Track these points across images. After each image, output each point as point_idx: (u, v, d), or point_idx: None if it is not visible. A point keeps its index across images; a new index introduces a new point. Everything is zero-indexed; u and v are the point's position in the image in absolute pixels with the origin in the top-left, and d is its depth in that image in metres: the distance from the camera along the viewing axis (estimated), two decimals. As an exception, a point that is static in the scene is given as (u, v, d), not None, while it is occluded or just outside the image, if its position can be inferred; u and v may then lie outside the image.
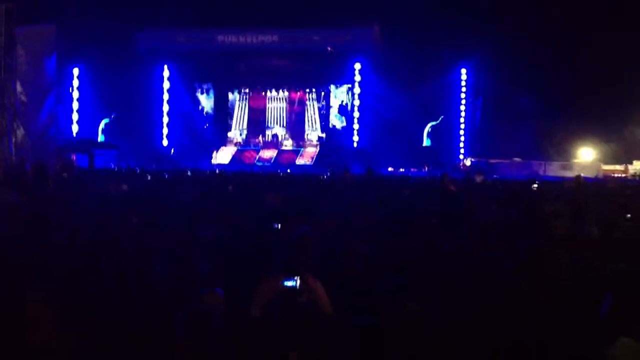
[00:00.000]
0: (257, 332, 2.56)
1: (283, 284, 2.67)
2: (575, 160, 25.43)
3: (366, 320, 2.44)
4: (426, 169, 24.28)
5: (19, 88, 20.82)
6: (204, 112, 29.68)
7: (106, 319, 2.72)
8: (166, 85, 28.22)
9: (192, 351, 2.54)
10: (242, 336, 2.57)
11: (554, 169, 24.08)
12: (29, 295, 2.70)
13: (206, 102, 29.77)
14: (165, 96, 28.24)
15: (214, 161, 27.56)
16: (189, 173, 14.46)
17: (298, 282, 2.67)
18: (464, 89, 26.98)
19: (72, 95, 27.27)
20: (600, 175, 22.32)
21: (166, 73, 28.18)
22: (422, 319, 2.63)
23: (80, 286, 3.10)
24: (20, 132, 20.54)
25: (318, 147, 28.46)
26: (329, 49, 26.59)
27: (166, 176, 12.47)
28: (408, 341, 2.34)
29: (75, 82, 27.41)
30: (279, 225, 4.46)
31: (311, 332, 2.53)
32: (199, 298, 2.90)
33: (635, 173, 23.04)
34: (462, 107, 27.09)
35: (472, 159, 25.68)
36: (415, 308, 2.75)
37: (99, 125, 27.84)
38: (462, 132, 27.05)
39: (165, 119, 28.23)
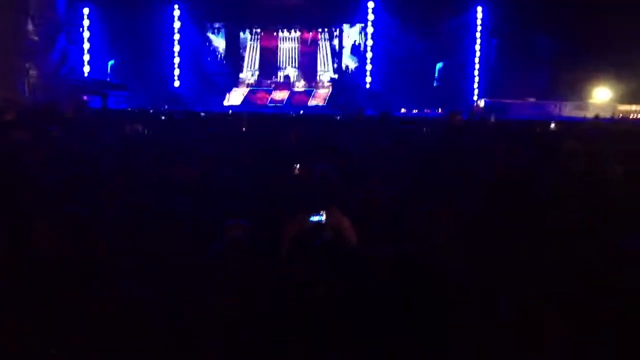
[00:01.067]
0: (284, 269, 2.59)
1: (309, 220, 2.66)
2: (591, 100, 25.12)
3: (394, 251, 2.47)
4: (439, 110, 24.10)
5: (30, 27, 20.66)
6: (216, 53, 29.35)
7: (134, 251, 2.79)
8: (177, 25, 27.83)
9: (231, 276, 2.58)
10: (269, 270, 2.61)
11: (568, 109, 23.84)
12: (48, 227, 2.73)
13: (218, 42, 29.41)
14: (176, 36, 27.89)
15: (226, 102, 27.49)
16: (202, 114, 14.44)
17: (324, 216, 2.66)
18: (479, 29, 26.41)
19: (82, 36, 27.05)
20: (617, 115, 22.07)
21: (177, 12, 27.75)
22: (452, 253, 2.66)
23: (104, 218, 3.16)
24: (32, 72, 20.50)
25: (330, 88, 28.27)
26: None
27: (179, 117, 12.48)
28: (438, 272, 2.37)
29: (86, 22, 27.13)
30: (298, 166, 4.46)
31: (337, 265, 2.56)
32: (227, 228, 2.95)
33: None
34: (477, 47, 26.56)
35: (486, 100, 25.43)
36: (445, 240, 2.78)
37: (111, 67, 27.69)
38: (476, 72, 26.64)
39: (177, 60, 27.95)
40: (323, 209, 2.61)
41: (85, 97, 21.58)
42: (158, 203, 3.50)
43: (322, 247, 2.59)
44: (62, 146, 6.27)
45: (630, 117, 21.92)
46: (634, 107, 23.97)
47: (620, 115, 22.04)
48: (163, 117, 11.27)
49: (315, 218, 2.65)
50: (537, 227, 3.27)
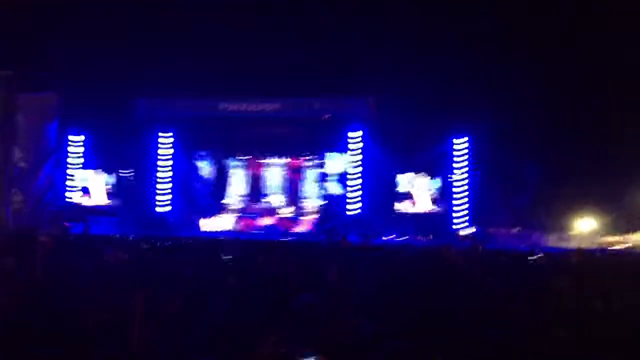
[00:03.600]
0: None
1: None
2: (574, 232, 25.37)
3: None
4: (430, 238, 24.23)
5: (18, 154, 20.95)
6: (203, 180, 29.70)
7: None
8: (167, 152, 28.35)
9: None
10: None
11: (552, 240, 23.98)
12: None
13: (205, 168, 29.84)
14: (165, 162, 28.31)
15: (205, 228, 27.39)
16: (190, 241, 14.36)
17: None
18: (462, 157, 27.00)
19: (67, 161, 27.40)
20: (600, 246, 22.22)
21: (165, 140, 28.35)
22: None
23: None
24: (18, 199, 20.54)
25: (316, 215, 28.42)
26: (326, 116, 26.99)
27: (166, 244, 12.38)
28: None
29: (79, 149, 27.63)
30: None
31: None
32: None
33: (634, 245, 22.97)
34: (461, 176, 27.02)
35: (471, 228, 25.61)
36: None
37: (98, 191, 27.93)
38: (459, 201, 26.97)
39: (165, 186, 28.21)
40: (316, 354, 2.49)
41: (66, 224, 21.54)
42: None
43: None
44: (42, 277, 6.11)
45: (614, 247, 22.08)
46: (617, 238, 24.22)
47: (604, 246, 22.22)
48: (145, 246, 11.14)
49: None
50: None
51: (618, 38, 21.99)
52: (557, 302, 5.47)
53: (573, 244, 19.88)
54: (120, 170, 28.20)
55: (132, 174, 28.16)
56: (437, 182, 27.36)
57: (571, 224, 25.91)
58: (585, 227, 25.67)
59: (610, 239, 24.25)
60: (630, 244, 23.07)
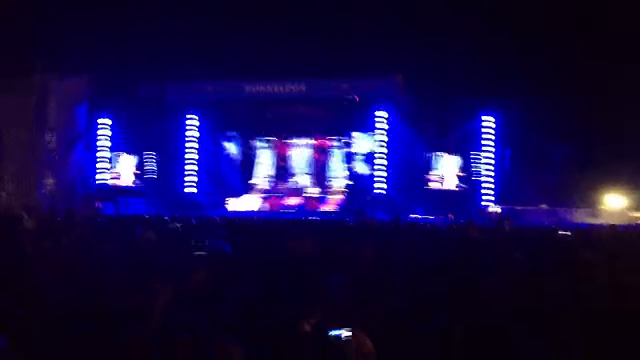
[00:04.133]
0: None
1: (330, 332, 2.59)
2: (603, 207, 25.06)
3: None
4: (451, 217, 24.11)
5: (49, 138, 21.30)
6: (231, 161, 29.94)
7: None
8: (195, 134, 28.60)
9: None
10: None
11: (581, 216, 23.75)
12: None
13: (233, 149, 30.07)
14: (194, 144, 28.58)
15: (233, 208, 27.66)
16: (217, 219, 14.50)
17: (347, 334, 2.58)
18: (491, 136, 26.76)
19: (97, 144, 27.81)
20: (630, 222, 21.93)
21: (193, 122, 28.58)
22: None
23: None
24: (50, 182, 20.92)
25: (343, 194, 28.49)
26: (353, 97, 26.92)
27: (194, 222, 12.52)
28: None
29: (108, 132, 28.01)
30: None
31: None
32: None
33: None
34: (490, 155, 26.79)
35: (499, 206, 25.46)
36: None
37: (127, 172, 28.37)
38: (487, 179, 26.79)
39: (193, 167, 28.50)
40: (348, 328, 2.54)
41: (98, 205, 21.91)
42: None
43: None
44: (74, 256, 6.25)
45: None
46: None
47: (634, 222, 21.92)
48: (178, 225, 11.28)
49: (336, 332, 2.57)
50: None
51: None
52: (585, 277, 5.44)
53: (602, 220, 19.63)
54: (149, 152, 28.58)
55: (160, 155, 28.51)
56: (465, 161, 27.23)
57: (600, 200, 25.60)
58: (614, 203, 25.33)
59: (639, 214, 23.91)
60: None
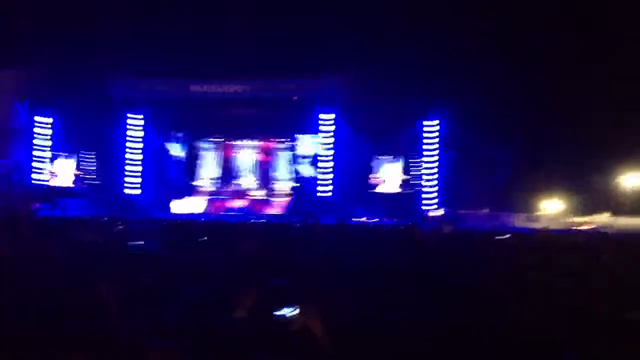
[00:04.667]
0: None
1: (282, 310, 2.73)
2: (542, 212, 25.86)
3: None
4: (395, 220, 24.42)
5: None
6: (175, 162, 29.51)
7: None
8: (139, 134, 28.06)
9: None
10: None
11: (521, 221, 24.41)
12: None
13: (177, 150, 29.64)
14: (137, 145, 28.04)
15: (176, 210, 27.31)
16: (161, 223, 14.32)
17: (297, 311, 2.71)
18: (433, 140, 27.23)
19: (37, 142, 26.99)
20: (567, 227, 22.69)
21: (137, 122, 28.06)
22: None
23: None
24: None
25: (288, 197, 28.48)
26: (295, 97, 26.99)
27: (135, 226, 12.30)
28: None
29: (46, 130, 27.20)
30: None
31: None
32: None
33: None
34: (433, 158, 27.27)
35: (442, 210, 25.94)
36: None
37: (67, 172, 27.61)
38: (429, 183, 27.25)
39: (136, 167, 27.96)
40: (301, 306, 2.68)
41: (36, 205, 21.26)
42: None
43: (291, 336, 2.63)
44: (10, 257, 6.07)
45: (580, 229, 22.56)
46: (584, 219, 24.75)
47: (572, 227, 22.69)
48: (120, 226, 11.10)
49: (287, 310, 2.70)
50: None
51: (587, 22, 22.34)
52: (523, 279, 5.63)
53: (541, 225, 20.26)
54: (90, 152, 27.89)
55: (102, 155, 27.86)
56: (409, 164, 27.64)
57: (539, 205, 26.42)
58: (552, 208, 26.18)
59: (577, 219, 24.77)
60: (596, 225, 23.59)
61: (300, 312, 2.79)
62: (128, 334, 3.32)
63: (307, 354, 2.94)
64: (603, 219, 24.64)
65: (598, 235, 13.59)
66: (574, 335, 3.83)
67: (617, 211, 25.19)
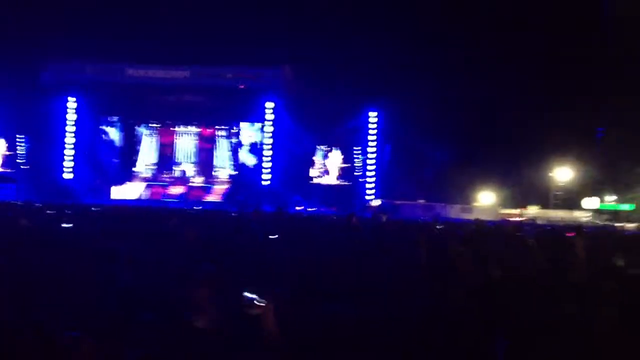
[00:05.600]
0: None
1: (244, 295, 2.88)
2: (476, 204, 26.62)
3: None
4: (333, 209, 24.67)
5: None
6: (112, 146, 28.85)
7: None
8: (71, 117, 27.27)
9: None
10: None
11: (455, 211, 25.05)
12: None
13: (114, 135, 28.98)
14: (70, 128, 27.25)
15: (116, 196, 26.81)
16: (92, 208, 14.00)
17: (259, 303, 2.89)
18: (373, 132, 27.56)
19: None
20: (499, 218, 23.43)
21: (71, 105, 27.26)
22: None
23: None
24: None
25: (228, 185, 28.32)
26: (241, 86, 26.79)
27: (68, 212, 11.97)
28: None
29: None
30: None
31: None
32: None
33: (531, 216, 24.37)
34: (372, 150, 27.61)
35: (379, 200, 26.32)
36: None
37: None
38: (369, 174, 27.57)
39: (69, 152, 27.19)
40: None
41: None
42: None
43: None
44: None
45: (513, 220, 23.33)
46: (514, 211, 25.63)
47: (502, 218, 23.43)
48: (49, 212, 10.81)
49: (249, 295, 2.95)
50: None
51: (519, 19, 23.02)
52: (455, 268, 5.77)
53: (474, 216, 20.79)
54: (21, 136, 26.98)
55: (35, 139, 26.98)
56: (348, 155, 27.89)
57: (472, 196, 27.18)
58: (486, 200, 27.00)
59: (509, 211, 25.62)
60: (525, 217, 24.45)
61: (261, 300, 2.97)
62: (50, 323, 3.27)
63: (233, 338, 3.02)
64: (534, 211, 25.59)
65: (526, 226, 14.09)
66: (504, 320, 3.97)
67: (547, 204, 26.23)
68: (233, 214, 15.46)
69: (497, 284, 5.54)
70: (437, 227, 11.44)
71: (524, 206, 26.06)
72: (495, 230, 12.14)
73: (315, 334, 3.43)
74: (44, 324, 3.13)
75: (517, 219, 24.33)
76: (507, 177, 25.75)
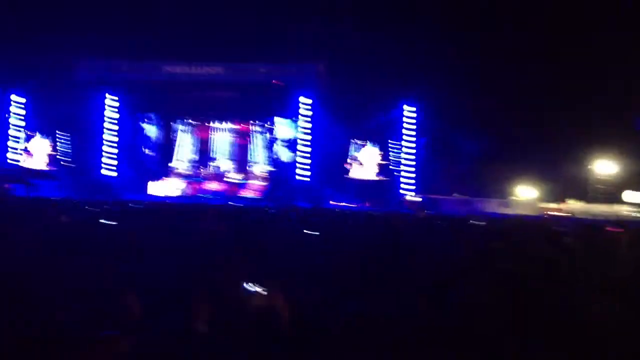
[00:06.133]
0: None
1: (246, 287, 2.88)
2: (514, 198, 26.17)
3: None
4: (367, 204, 24.58)
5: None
6: (149, 143, 29.25)
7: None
8: (110, 114, 27.66)
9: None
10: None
11: (493, 206, 24.68)
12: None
13: (151, 131, 29.38)
14: (109, 125, 27.65)
15: (153, 192, 27.14)
16: (130, 205, 14.18)
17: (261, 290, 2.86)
18: (408, 126, 27.30)
19: (9, 123, 26.65)
20: (539, 213, 23.01)
21: (110, 102, 27.65)
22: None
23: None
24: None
25: (264, 180, 28.42)
26: (276, 82, 26.82)
27: (108, 207, 12.15)
28: None
29: (17, 110, 26.80)
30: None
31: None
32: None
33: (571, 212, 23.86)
34: (407, 144, 27.35)
35: (416, 195, 26.09)
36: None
37: (38, 154, 27.26)
38: (406, 168, 27.33)
39: (110, 149, 27.60)
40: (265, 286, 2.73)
41: (8, 186, 20.93)
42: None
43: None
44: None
45: (552, 214, 22.88)
46: (555, 205, 25.12)
47: (541, 212, 23.01)
48: (87, 207, 10.98)
49: (251, 288, 2.89)
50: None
51: (558, 7, 22.53)
52: (494, 265, 5.65)
53: (513, 211, 20.50)
54: (63, 133, 27.52)
55: (75, 137, 27.50)
56: (385, 150, 27.70)
57: (512, 191, 26.73)
58: (525, 194, 26.51)
59: (548, 205, 25.13)
60: (568, 212, 23.96)
61: (265, 291, 2.91)
62: (86, 321, 3.27)
63: (267, 333, 2.98)
64: (574, 205, 25.04)
65: (568, 222, 13.80)
66: (540, 322, 3.85)
67: (588, 198, 25.64)
68: (268, 210, 15.50)
69: (537, 281, 5.41)
70: (475, 222, 11.26)
71: (563, 200, 25.52)
72: (535, 226, 11.91)
73: (340, 334, 3.38)
74: (83, 321, 3.14)
75: (557, 213, 23.90)
76: (546, 170, 25.25)
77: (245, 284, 2.92)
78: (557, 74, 22.73)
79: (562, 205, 25.25)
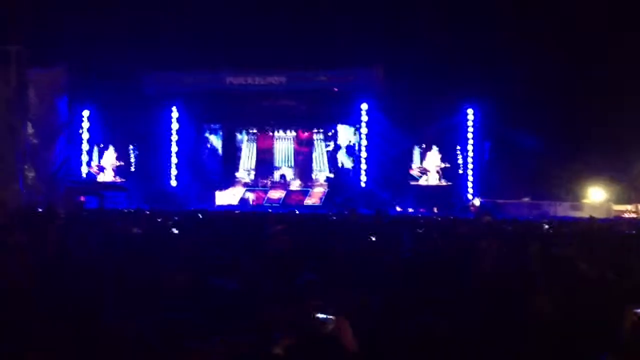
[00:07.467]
0: None
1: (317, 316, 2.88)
2: (586, 201, 25.29)
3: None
4: (435, 210, 24.25)
5: (30, 130, 20.96)
6: (213, 153, 29.83)
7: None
8: (175, 126, 28.30)
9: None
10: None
11: (564, 209, 23.96)
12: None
13: (216, 142, 29.98)
14: (174, 137, 28.29)
15: (220, 202, 27.62)
16: (199, 215, 14.45)
17: (332, 321, 2.86)
18: (471, 129, 26.85)
19: (81, 136, 27.69)
20: (612, 215, 22.19)
21: (175, 114, 28.28)
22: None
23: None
24: (31, 174, 20.60)
25: (326, 187, 28.49)
26: (335, 89, 26.87)
27: (176, 219, 12.42)
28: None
29: (86, 124, 27.83)
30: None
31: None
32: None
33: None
34: (470, 148, 26.89)
35: (481, 199, 25.58)
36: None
37: (109, 167, 28.23)
38: (470, 172, 26.85)
39: (174, 160, 28.23)
40: (333, 315, 2.72)
41: (82, 198, 21.68)
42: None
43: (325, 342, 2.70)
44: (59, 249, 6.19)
45: (626, 217, 22.04)
46: (628, 207, 24.15)
47: (614, 215, 22.18)
48: (159, 219, 11.25)
49: (322, 316, 2.90)
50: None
51: (622, 7, 21.75)
52: (566, 271, 5.49)
53: (584, 213, 19.82)
54: (130, 145, 28.42)
55: (142, 148, 28.33)
56: (447, 154, 27.31)
57: (582, 193, 25.84)
58: (596, 196, 25.57)
59: (622, 207, 24.19)
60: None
61: (332, 317, 2.91)
62: (163, 329, 3.33)
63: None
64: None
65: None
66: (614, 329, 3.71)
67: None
68: (331, 217, 15.51)
69: (612, 288, 5.20)
70: (546, 226, 10.97)
71: (638, 201, 24.50)
72: (610, 229, 11.50)
73: (405, 349, 3.33)
74: (167, 330, 3.21)
75: (632, 215, 22.99)
76: (618, 170, 24.32)
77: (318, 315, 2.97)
78: (627, 72, 21.89)
79: (638, 207, 24.26)
